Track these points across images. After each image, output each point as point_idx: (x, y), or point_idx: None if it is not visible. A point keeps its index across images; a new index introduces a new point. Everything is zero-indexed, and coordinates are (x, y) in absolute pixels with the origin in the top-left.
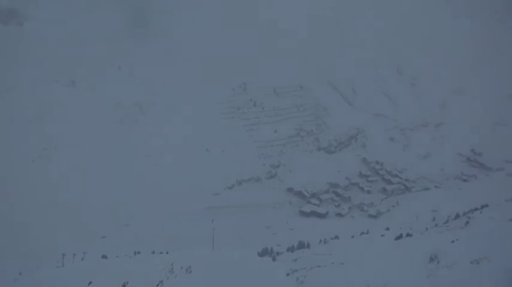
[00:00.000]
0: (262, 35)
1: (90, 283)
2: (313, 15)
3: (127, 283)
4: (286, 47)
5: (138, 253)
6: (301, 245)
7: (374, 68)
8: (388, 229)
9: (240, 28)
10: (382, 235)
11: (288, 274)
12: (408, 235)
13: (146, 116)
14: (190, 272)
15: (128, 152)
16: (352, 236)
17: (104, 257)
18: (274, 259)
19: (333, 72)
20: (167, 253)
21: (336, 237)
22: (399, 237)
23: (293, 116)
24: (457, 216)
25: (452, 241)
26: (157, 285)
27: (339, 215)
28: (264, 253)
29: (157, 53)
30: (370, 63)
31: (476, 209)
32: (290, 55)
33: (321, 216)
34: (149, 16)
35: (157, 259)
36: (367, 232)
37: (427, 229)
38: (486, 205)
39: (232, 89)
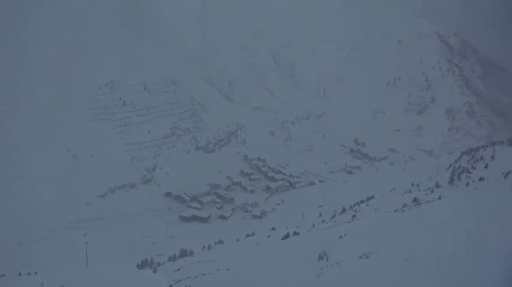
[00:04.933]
0: (128, 26)
1: None
2: (183, 5)
3: None
4: (155, 39)
5: (2, 276)
6: (184, 253)
7: (250, 58)
8: (274, 228)
9: (104, 21)
10: (268, 236)
11: (171, 286)
12: (295, 233)
13: (5, 123)
14: None
15: None
16: (237, 240)
17: None
18: (155, 271)
19: (208, 65)
20: (35, 273)
21: (220, 242)
22: (286, 236)
23: (167, 114)
24: (344, 210)
25: (340, 237)
26: None
27: (222, 217)
28: (143, 265)
29: (12, 51)
30: (245, 54)
31: (362, 201)
32: (160, 47)
33: (203, 220)
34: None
35: (25, 280)
36: (253, 234)
37: (314, 225)
38: (372, 197)
39: (98, 88)
